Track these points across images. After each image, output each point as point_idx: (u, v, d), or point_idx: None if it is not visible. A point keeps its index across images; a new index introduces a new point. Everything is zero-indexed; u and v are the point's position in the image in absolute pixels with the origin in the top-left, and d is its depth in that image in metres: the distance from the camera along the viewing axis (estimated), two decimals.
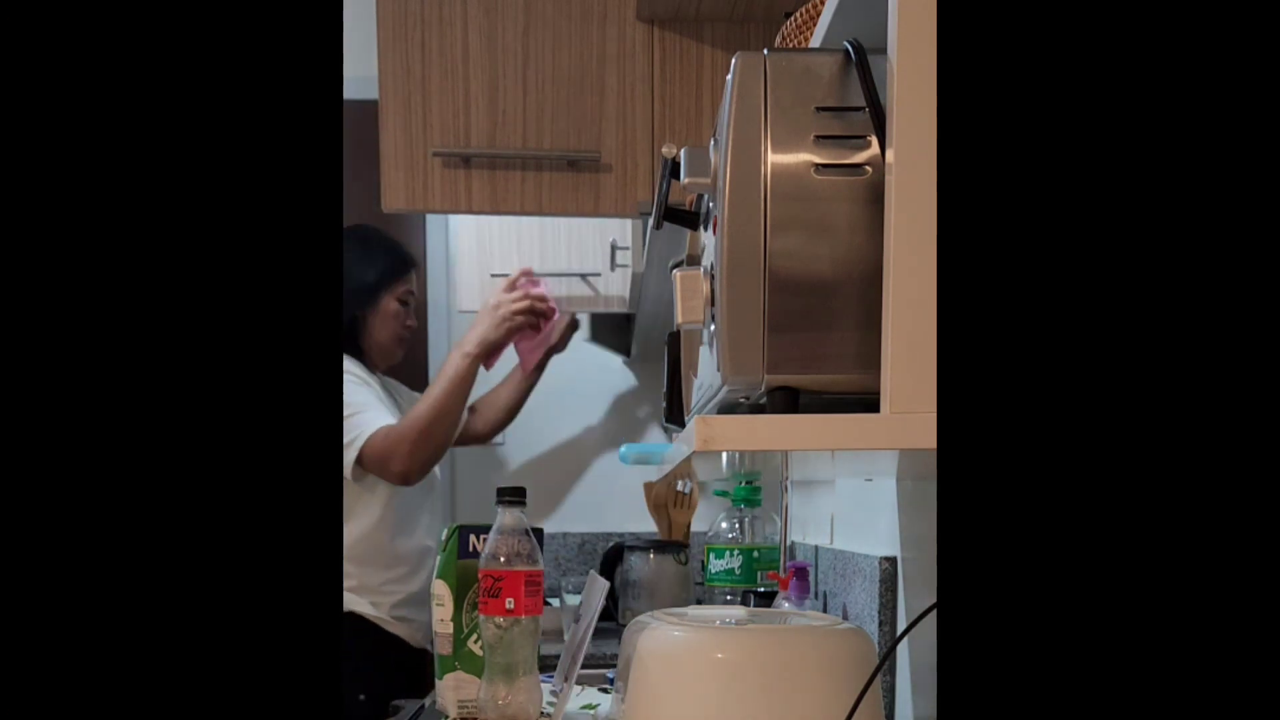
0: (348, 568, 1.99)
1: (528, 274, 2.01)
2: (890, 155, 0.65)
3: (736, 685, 0.93)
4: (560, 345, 2.17)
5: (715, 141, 0.74)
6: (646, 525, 2.24)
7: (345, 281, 2.00)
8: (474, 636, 1.29)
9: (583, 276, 2.13)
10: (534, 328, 2.03)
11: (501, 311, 1.95)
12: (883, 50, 0.66)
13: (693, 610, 1.08)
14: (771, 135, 0.69)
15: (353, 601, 2.00)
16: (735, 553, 1.73)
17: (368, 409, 1.94)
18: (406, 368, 2.18)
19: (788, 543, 1.77)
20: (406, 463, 1.92)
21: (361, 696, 1.94)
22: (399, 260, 2.09)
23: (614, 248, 2.06)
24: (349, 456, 1.91)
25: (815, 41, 0.89)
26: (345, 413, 1.91)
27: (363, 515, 2.00)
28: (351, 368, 2.00)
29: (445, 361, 1.98)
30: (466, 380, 1.94)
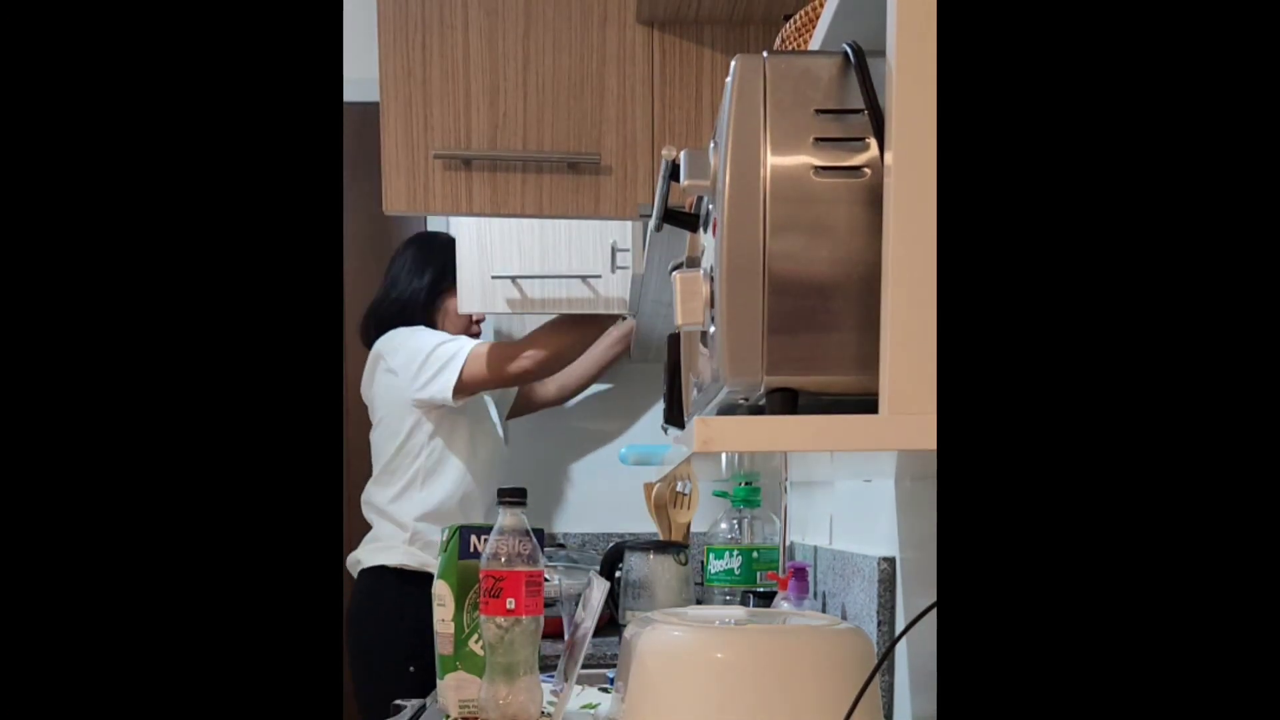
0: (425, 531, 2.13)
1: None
2: (889, 157, 0.65)
3: (736, 685, 0.93)
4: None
5: (715, 144, 0.74)
6: (646, 525, 2.24)
7: (402, 287, 2.21)
8: (475, 636, 1.29)
9: (583, 279, 2.13)
10: None
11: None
12: (882, 53, 0.66)
13: (693, 610, 1.09)
14: (771, 137, 0.69)
15: (427, 561, 2.10)
16: (735, 553, 1.73)
17: (459, 339, 2.13)
18: None
19: (787, 543, 1.77)
20: (532, 363, 2.13)
21: (411, 669, 1.98)
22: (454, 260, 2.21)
23: (614, 250, 2.06)
24: (447, 376, 2.07)
25: (815, 44, 0.89)
26: (432, 345, 2.10)
27: (443, 479, 2.15)
28: (423, 332, 2.16)
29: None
30: (599, 337, 2.27)
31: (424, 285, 2.20)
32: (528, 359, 2.13)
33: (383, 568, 2.12)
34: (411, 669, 2.02)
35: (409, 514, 2.15)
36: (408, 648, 2.03)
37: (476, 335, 2.26)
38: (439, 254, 2.22)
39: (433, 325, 2.21)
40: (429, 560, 2.10)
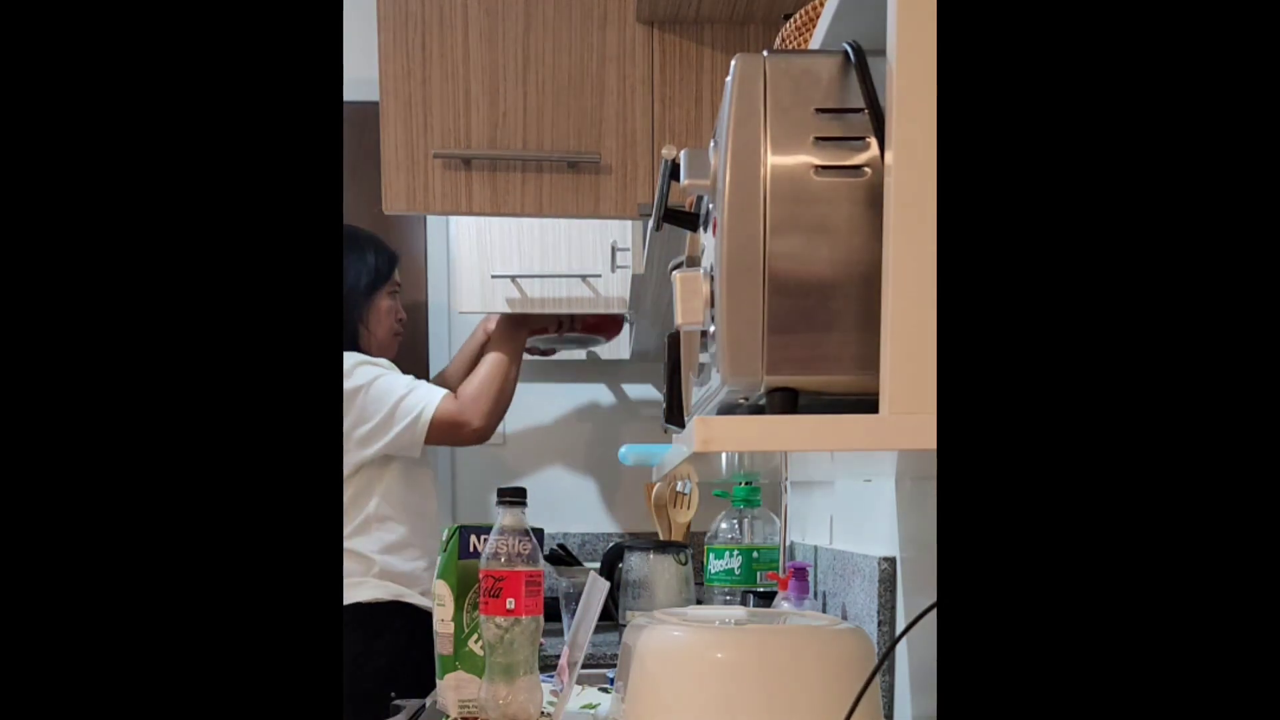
0: (391, 559, 2.06)
1: None
2: (889, 157, 0.65)
3: (736, 685, 0.93)
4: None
5: (715, 143, 0.74)
6: (646, 525, 2.24)
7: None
8: (475, 636, 1.29)
9: (583, 278, 2.13)
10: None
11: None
12: (882, 52, 0.66)
13: (693, 610, 1.09)
14: (771, 137, 0.69)
15: (401, 592, 2.05)
16: (735, 553, 1.73)
17: (420, 385, 2.05)
18: (406, 368, 2.18)
19: (787, 543, 1.77)
20: (483, 420, 2.08)
21: (394, 694, 1.96)
22: (386, 257, 2.13)
23: (614, 249, 2.06)
24: (418, 430, 2.01)
25: (815, 43, 0.89)
26: (400, 394, 2.01)
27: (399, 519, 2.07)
28: (380, 364, 2.06)
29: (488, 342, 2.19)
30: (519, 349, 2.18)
31: (359, 286, 2.09)
32: (481, 419, 2.07)
33: (356, 605, 2.02)
34: (393, 694, 1.99)
35: (371, 547, 2.06)
36: (382, 678, 1.98)
37: (400, 335, 2.17)
38: (367, 249, 2.11)
39: (365, 326, 2.11)
40: (401, 590, 2.06)
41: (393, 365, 2.08)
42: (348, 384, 2.00)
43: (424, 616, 2.07)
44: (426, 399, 2.03)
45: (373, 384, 2.01)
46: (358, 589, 2.03)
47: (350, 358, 2.04)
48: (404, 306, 2.20)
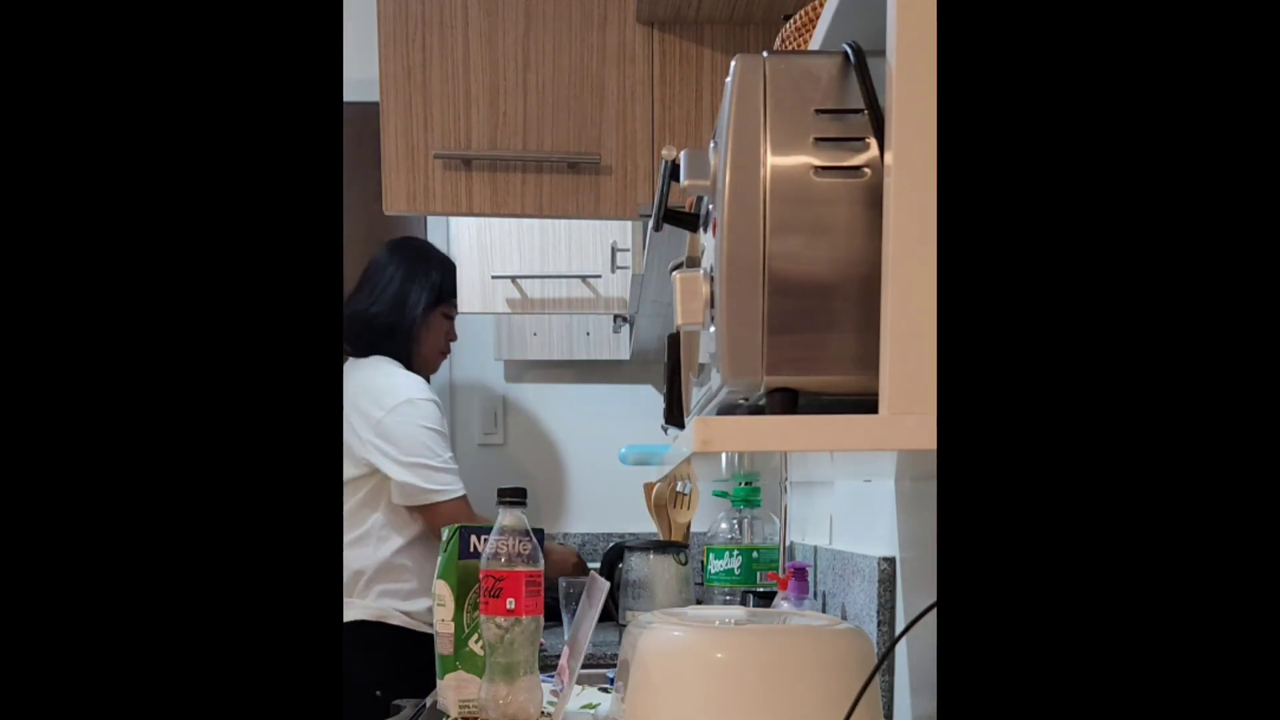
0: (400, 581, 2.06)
1: None
2: (889, 157, 0.65)
3: (736, 685, 0.93)
4: None
5: (715, 144, 0.74)
6: (646, 525, 2.24)
7: (401, 293, 2.10)
8: (475, 636, 1.29)
9: (583, 279, 2.13)
10: None
11: None
12: (882, 53, 0.66)
13: (693, 610, 1.09)
14: (771, 137, 0.69)
15: (388, 613, 2.04)
16: (735, 553, 1.73)
17: (457, 474, 2.08)
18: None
19: (787, 543, 1.78)
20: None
21: (378, 692, 1.94)
22: (452, 281, 2.15)
23: (614, 250, 2.06)
24: (418, 501, 2.03)
25: (815, 44, 0.89)
26: (441, 459, 2.04)
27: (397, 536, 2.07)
28: (436, 411, 2.06)
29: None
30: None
31: (420, 302, 2.11)
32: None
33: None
34: (378, 693, 1.94)
35: (366, 560, 2.05)
36: (370, 709, 1.96)
37: (445, 354, 2.19)
38: (434, 267, 2.14)
39: (416, 340, 2.12)
40: (387, 609, 2.04)
41: (438, 400, 2.09)
42: (413, 402, 2.01)
43: (407, 638, 2.06)
44: (452, 486, 2.06)
45: (430, 428, 2.03)
46: (345, 609, 2.02)
47: (413, 382, 2.05)
48: None
